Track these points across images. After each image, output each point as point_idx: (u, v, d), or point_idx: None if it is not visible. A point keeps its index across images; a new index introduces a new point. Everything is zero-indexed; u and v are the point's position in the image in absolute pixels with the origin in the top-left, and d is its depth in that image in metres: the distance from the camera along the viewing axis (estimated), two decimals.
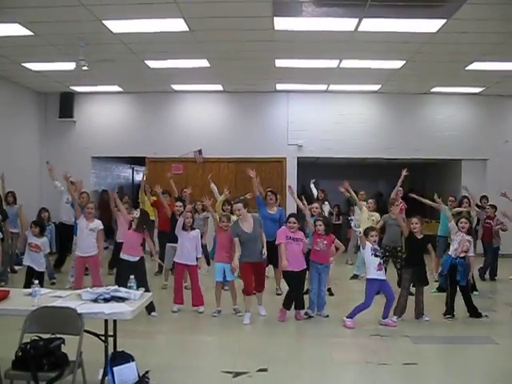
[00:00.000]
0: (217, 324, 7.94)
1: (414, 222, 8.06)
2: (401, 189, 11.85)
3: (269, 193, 9.70)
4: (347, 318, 7.67)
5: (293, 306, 8.05)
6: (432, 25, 9.00)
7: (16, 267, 11.58)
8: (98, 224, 8.76)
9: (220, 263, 8.28)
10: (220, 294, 8.35)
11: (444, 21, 8.71)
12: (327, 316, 8.16)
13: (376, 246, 7.84)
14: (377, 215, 10.74)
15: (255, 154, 14.84)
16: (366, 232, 7.97)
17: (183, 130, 15.11)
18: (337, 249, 8.34)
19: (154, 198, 11.42)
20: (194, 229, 8.57)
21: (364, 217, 10.66)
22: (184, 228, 8.43)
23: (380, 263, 7.76)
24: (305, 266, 8.07)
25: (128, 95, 15.38)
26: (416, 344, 6.92)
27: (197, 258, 8.52)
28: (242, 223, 7.83)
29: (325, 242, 8.14)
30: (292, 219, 8.05)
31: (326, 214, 11.33)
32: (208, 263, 11.12)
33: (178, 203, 9.77)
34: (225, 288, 8.62)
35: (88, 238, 8.63)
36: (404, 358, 6.25)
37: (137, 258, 8.01)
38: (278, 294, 9.46)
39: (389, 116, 15.12)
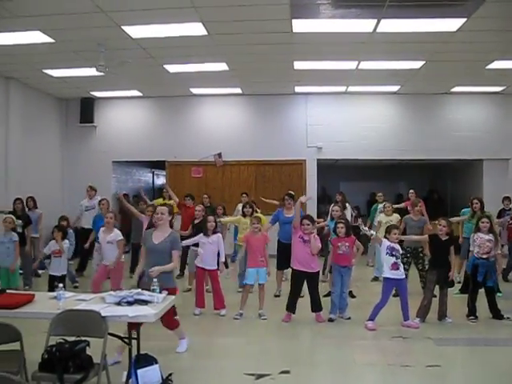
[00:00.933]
0: (238, 327, 7.95)
1: (441, 225, 8.00)
2: (412, 191, 11.95)
3: (286, 196, 9.72)
4: (368, 320, 7.66)
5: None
6: (452, 24, 8.93)
7: (40, 271, 11.72)
8: (115, 236, 8.60)
9: (253, 268, 8.26)
10: (247, 297, 8.34)
11: (464, 20, 8.64)
12: (349, 318, 8.15)
13: (394, 245, 7.80)
14: (395, 217, 10.73)
15: (275, 156, 14.87)
16: (388, 229, 8.01)
17: (203, 133, 15.17)
18: (357, 249, 8.37)
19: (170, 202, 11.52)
20: (216, 233, 8.56)
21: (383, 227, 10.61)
22: (205, 233, 8.46)
23: (395, 262, 7.72)
24: (316, 269, 8.06)
25: (147, 99, 15.49)
26: (439, 346, 6.87)
27: (218, 263, 8.55)
28: (157, 233, 6.39)
29: (347, 243, 8.15)
30: (305, 221, 8.06)
31: (349, 218, 11.19)
32: (227, 266, 11.18)
33: (198, 207, 9.82)
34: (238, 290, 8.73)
35: (109, 249, 8.57)
36: (427, 360, 6.21)
37: None
38: (277, 296, 9.58)
39: (408, 117, 15.03)
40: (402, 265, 7.89)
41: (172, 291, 5.83)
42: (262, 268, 8.22)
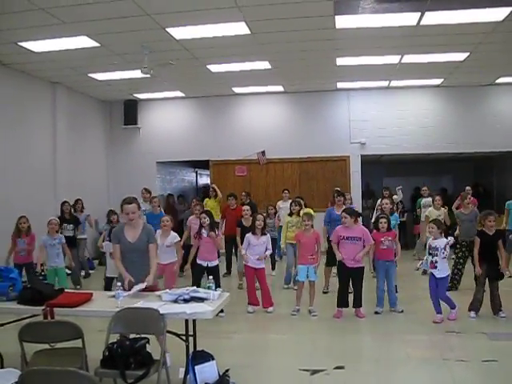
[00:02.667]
0: (289, 323, 7.96)
1: (491, 220, 7.94)
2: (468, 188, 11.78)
3: (335, 194, 9.76)
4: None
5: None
6: (497, 13, 8.76)
7: (90, 271, 11.99)
8: (172, 238, 8.56)
9: (304, 265, 8.25)
10: (301, 293, 8.36)
11: (511, 8, 8.49)
12: (402, 311, 8.15)
13: (431, 243, 7.81)
14: (442, 211, 10.67)
15: (318, 153, 14.86)
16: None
17: (245, 132, 15.26)
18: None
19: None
20: (265, 234, 8.58)
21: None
22: (254, 232, 8.49)
23: (432, 261, 7.70)
24: (360, 265, 8.05)
25: (190, 100, 15.64)
26: (494, 341, 6.76)
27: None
28: (128, 230, 6.00)
29: (389, 238, 8.22)
30: (343, 213, 8.15)
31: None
32: (273, 267, 11.35)
33: (245, 207, 9.86)
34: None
35: (165, 252, 8.46)
36: (482, 355, 6.12)
37: (214, 263, 8.23)
38: (325, 292, 9.59)
39: (451, 110, 14.80)
40: (443, 263, 7.74)
41: (154, 289, 5.73)
42: (312, 265, 8.21)
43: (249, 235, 8.51)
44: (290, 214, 10.06)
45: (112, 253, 6.57)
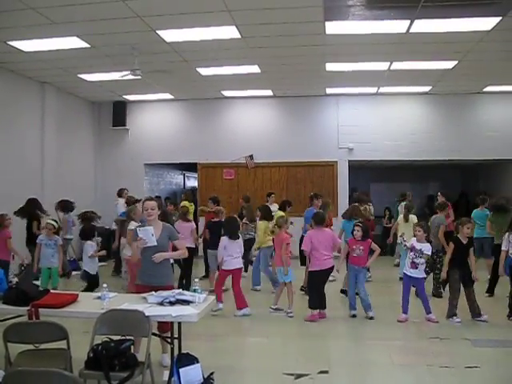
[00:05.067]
0: (274, 326, 7.98)
1: (469, 227, 8.14)
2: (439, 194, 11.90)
3: (314, 196, 10.78)
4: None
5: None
6: (486, 23, 8.86)
7: (74, 272, 11.93)
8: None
9: (281, 267, 8.50)
10: (281, 292, 8.64)
11: (499, 18, 8.56)
12: (371, 318, 8.18)
13: (416, 245, 8.05)
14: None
15: (306, 157, 14.91)
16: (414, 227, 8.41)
17: (234, 135, 15.27)
18: (373, 251, 8.50)
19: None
20: (239, 237, 8.75)
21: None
22: (231, 237, 8.56)
23: (414, 262, 8.01)
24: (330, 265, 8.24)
25: (179, 102, 15.62)
26: (477, 347, 6.81)
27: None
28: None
29: (361, 247, 8.34)
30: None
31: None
32: (246, 270, 11.44)
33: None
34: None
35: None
36: (465, 362, 6.18)
37: None
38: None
39: (440, 117, 14.90)
40: (421, 265, 8.06)
41: (169, 288, 5.72)
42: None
43: (224, 238, 8.56)
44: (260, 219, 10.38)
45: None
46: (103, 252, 9.49)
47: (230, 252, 8.41)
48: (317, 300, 8.16)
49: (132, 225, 8.20)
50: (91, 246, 9.03)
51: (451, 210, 11.22)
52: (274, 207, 11.66)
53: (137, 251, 5.86)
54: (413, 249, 8.04)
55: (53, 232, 9.05)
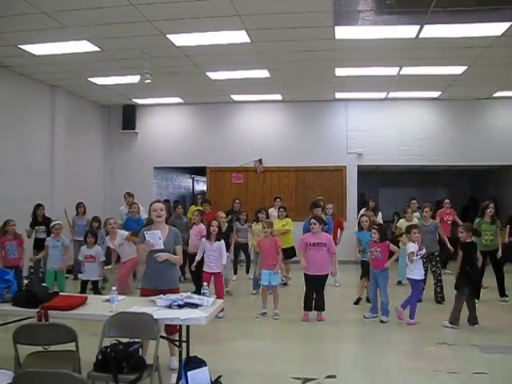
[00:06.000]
0: (282, 330, 8.02)
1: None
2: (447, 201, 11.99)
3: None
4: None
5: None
6: (496, 28, 8.83)
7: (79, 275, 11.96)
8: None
9: (266, 270, 8.58)
10: (266, 297, 8.70)
11: (509, 24, 8.54)
12: (382, 322, 8.22)
13: (416, 250, 8.23)
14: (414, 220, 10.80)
15: (315, 162, 14.90)
16: (409, 230, 8.49)
17: (243, 139, 15.29)
18: (393, 253, 8.59)
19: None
20: (219, 240, 8.69)
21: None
22: (208, 238, 8.67)
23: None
24: (326, 272, 8.38)
25: (188, 106, 15.67)
26: (485, 353, 6.77)
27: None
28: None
29: (378, 249, 8.40)
30: (312, 220, 8.49)
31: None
32: (235, 272, 11.63)
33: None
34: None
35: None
36: (473, 367, 6.15)
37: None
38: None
39: (449, 122, 14.86)
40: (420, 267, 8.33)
41: (176, 291, 5.76)
42: (274, 270, 8.55)
43: (204, 240, 8.72)
44: (257, 221, 10.57)
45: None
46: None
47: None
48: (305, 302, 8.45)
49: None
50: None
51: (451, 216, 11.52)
52: (275, 212, 11.67)
53: (143, 254, 5.89)
54: (418, 253, 8.19)
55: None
